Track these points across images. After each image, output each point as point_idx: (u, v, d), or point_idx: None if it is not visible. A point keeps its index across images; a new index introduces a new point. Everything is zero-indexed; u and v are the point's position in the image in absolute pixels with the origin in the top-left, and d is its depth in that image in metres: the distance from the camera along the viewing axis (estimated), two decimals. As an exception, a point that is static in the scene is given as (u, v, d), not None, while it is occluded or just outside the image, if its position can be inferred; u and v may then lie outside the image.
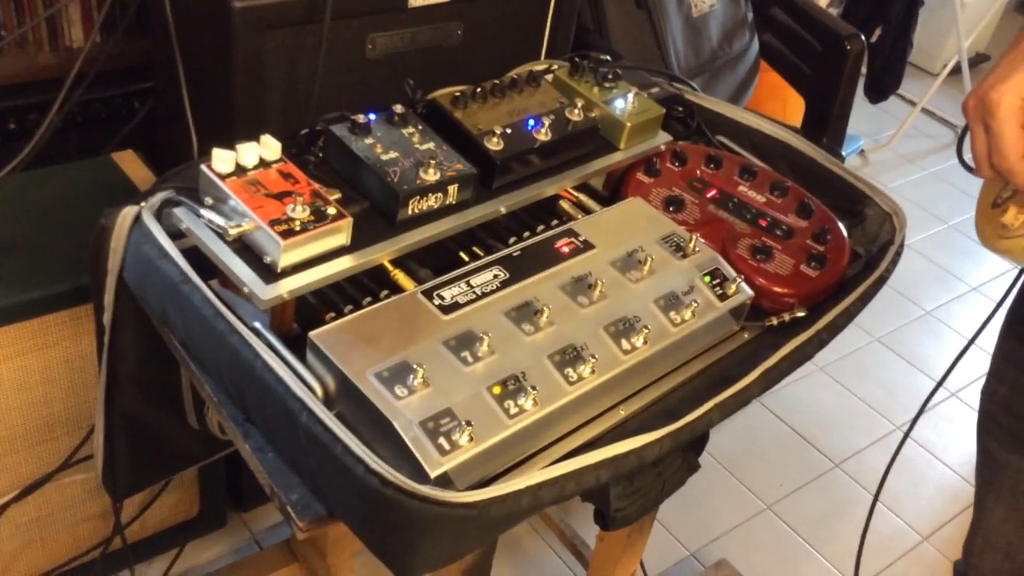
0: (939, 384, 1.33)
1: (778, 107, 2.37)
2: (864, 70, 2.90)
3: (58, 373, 1.29)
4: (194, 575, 1.58)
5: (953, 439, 2.21)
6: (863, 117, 3.41)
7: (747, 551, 1.85)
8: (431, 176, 0.93)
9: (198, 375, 0.90)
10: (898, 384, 2.34)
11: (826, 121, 1.91)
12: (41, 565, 1.46)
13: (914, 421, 1.35)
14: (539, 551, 1.76)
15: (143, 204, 0.93)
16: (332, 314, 0.89)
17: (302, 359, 0.83)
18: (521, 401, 0.81)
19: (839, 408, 2.25)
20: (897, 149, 3.35)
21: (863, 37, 1.91)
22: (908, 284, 2.69)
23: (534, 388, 0.81)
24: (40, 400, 1.29)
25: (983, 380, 1.24)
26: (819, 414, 2.22)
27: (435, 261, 0.97)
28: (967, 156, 1.04)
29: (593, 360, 0.86)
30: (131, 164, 1.41)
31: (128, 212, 0.93)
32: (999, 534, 1.20)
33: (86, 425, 1.34)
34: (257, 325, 0.85)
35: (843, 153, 2.41)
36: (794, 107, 2.23)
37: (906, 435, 1.36)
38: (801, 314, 1.02)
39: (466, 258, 0.99)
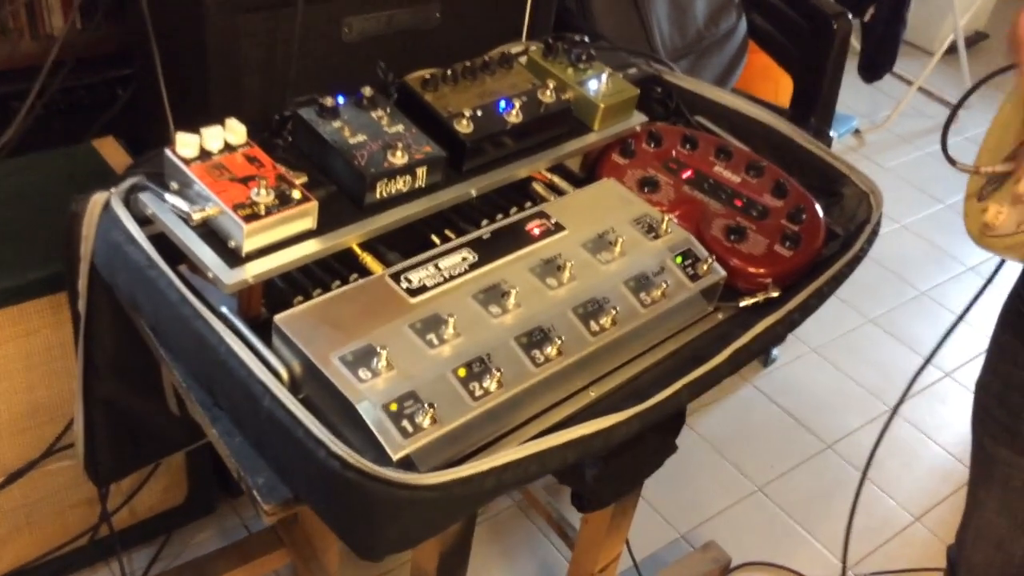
0: (927, 361, 1.32)
1: (770, 88, 2.35)
2: (859, 49, 2.88)
3: (39, 360, 1.29)
4: (183, 560, 1.58)
5: (947, 419, 2.21)
6: (859, 97, 3.39)
7: (738, 533, 1.85)
8: (399, 159, 0.92)
9: (167, 360, 0.90)
10: (892, 365, 2.34)
11: (814, 101, 1.90)
12: (30, 552, 1.46)
13: (902, 398, 1.35)
14: (528, 534, 1.76)
15: (112, 190, 0.93)
16: (300, 298, 0.89)
17: (270, 343, 0.83)
18: (486, 383, 0.81)
19: (832, 389, 2.24)
20: (893, 129, 3.33)
21: (853, 16, 1.90)
22: (903, 264, 2.68)
23: (499, 370, 0.81)
24: (22, 387, 1.30)
25: (977, 360, 1.22)
26: (812, 395, 2.21)
27: (407, 244, 0.96)
28: (952, 151, 1.01)
29: (560, 341, 0.85)
30: (111, 151, 1.41)
31: (98, 198, 0.93)
32: (991, 526, 1.19)
33: (70, 412, 1.35)
34: (224, 310, 0.85)
35: (834, 133, 2.40)
36: (786, 88, 2.22)
37: (894, 411, 1.36)
38: (775, 294, 1.02)
39: (438, 241, 0.98)
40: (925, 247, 2.78)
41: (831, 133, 1.98)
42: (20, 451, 1.34)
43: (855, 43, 2.89)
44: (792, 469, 2.02)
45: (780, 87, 2.33)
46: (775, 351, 2.28)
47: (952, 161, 1.02)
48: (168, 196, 0.86)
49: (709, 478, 1.96)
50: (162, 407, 1.17)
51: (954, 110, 1.05)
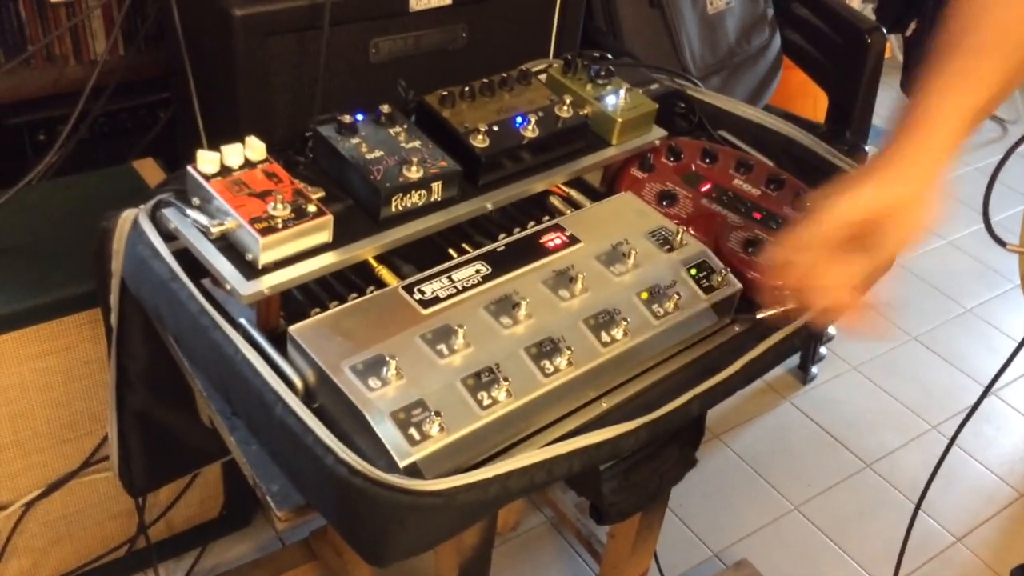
0: (987, 390, 1.29)
1: (808, 104, 2.34)
2: (902, 64, 2.85)
3: (79, 373, 1.33)
4: (216, 573, 1.61)
5: (991, 439, 2.16)
6: (904, 113, 3.34)
7: (773, 552, 1.83)
8: (414, 174, 0.94)
9: (189, 370, 0.93)
10: (936, 384, 2.29)
11: (849, 116, 1.88)
12: (70, 561, 1.50)
13: (960, 428, 1.32)
14: (559, 550, 1.76)
15: (141, 207, 0.96)
16: (317, 309, 0.91)
17: (286, 354, 0.85)
18: (494, 392, 0.82)
19: (873, 408, 2.21)
20: (940, 145, 3.28)
21: (894, 31, 1.89)
22: (948, 281, 2.64)
23: (507, 380, 0.82)
24: (62, 400, 1.34)
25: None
26: (852, 414, 2.18)
27: (424, 258, 0.98)
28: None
29: (570, 352, 0.86)
30: (150, 171, 1.46)
31: (128, 215, 0.96)
32: None
33: (108, 424, 1.39)
34: (242, 321, 0.87)
35: (873, 148, 2.38)
36: (824, 104, 2.21)
37: (951, 442, 1.33)
38: (792, 306, 1.01)
39: (455, 255, 1.00)
40: (971, 264, 2.73)
41: (867, 148, 1.96)
42: (61, 463, 1.38)
43: (900, 57, 2.86)
44: (830, 488, 1.99)
45: (818, 103, 2.32)
46: (814, 369, 2.25)
47: (1001, 243, 0.98)
48: (189, 211, 0.89)
49: (744, 496, 1.94)
50: (194, 419, 1.20)
51: (990, 185, 1.01)
